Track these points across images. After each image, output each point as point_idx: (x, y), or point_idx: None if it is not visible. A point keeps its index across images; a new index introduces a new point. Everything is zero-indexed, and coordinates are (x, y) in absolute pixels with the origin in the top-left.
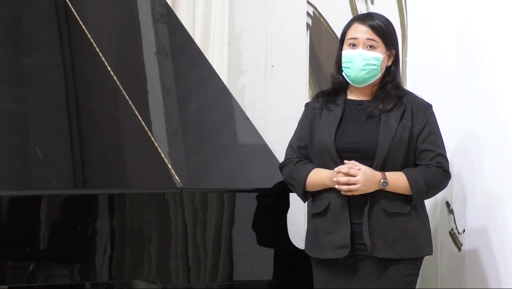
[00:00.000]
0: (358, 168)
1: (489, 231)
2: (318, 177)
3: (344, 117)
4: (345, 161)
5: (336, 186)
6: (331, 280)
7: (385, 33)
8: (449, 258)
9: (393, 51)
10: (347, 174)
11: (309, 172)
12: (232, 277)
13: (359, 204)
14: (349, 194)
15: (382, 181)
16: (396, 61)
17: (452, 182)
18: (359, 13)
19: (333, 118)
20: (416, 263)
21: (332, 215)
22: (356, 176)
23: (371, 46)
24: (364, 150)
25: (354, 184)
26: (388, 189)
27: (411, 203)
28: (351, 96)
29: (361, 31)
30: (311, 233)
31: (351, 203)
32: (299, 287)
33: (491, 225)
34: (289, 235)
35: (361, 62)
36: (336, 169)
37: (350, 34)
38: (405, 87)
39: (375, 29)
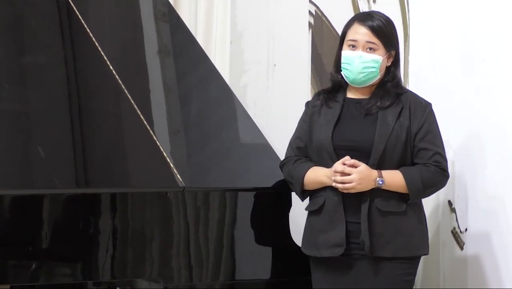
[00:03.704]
0: (355, 166)
1: (492, 230)
2: (315, 175)
3: (342, 115)
4: (345, 159)
5: (333, 184)
6: (327, 279)
7: (385, 34)
8: (451, 257)
9: (393, 52)
10: (342, 173)
11: (307, 170)
12: (234, 276)
13: (354, 202)
14: (346, 191)
15: (377, 179)
16: (396, 62)
17: (454, 181)
18: (361, 11)
19: (331, 117)
20: (412, 262)
21: (327, 214)
22: (351, 175)
23: (370, 49)
24: (360, 148)
25: (349, 182)
26: (384, 187)
27: (408, 202)
28: (350, 94)
29: (361, 33)
30: (307, 231)
31: (346, 202)
32: (301, 286)
33: (494, 224)
34: (291, 233)
35: (360, 65)
36: (332, 168)
37: (350, 35)
38: (407, 86)
39: (375, 31)
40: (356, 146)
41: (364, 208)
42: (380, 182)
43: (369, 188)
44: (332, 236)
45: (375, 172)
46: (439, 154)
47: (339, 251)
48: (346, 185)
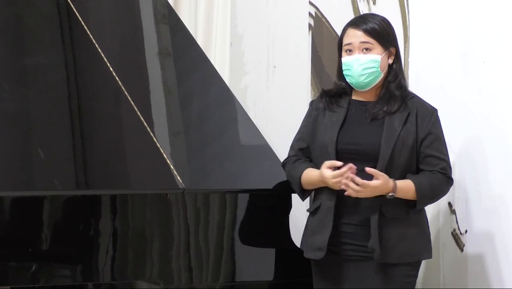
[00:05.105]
0: (376, 179)
1: (492, 232)
2: (309, 176)
3: (348, 119)
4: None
5: (342, 186)
6: (328, 280)
7: (379, 33)
8: (452, 258)
9: (393, 49)
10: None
11: (303, 171)
12: (234, 278)
13: (350, 204)
14: (354, 195)
15: (390, 194)
16: (397, 59)
17: (454, 183)
18: (361, 13)
19: (336, 119)
20: (415, 265)
21: (319, 216)
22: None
23: (366, 49)
24: (366, 152)
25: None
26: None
27: (413, 208)
28: (355, 97)
29: (355, 36)
30: (304, 232)
31: (342, 203)
32: (301, 287)
33: (494, 226)
34: (291, 235)
35: (359, 67)
36: (348, 173)
37: (345, 40)
38: (407, 87)
39: (368, 31)
40: (361, 150)
41: (374, 214)
42: (391, 197)
43: (377, 195)
44: (317, 239)
45: (390, 187)
46: (445, 162)
47: (320, 255)
48: (359, 194)
